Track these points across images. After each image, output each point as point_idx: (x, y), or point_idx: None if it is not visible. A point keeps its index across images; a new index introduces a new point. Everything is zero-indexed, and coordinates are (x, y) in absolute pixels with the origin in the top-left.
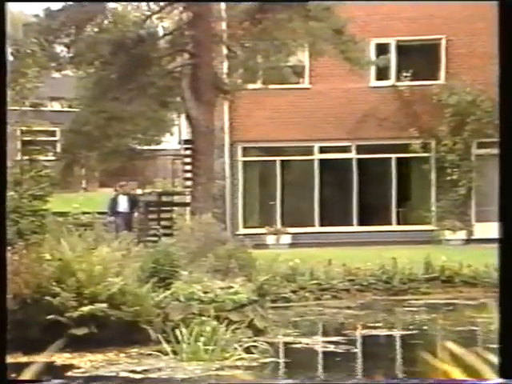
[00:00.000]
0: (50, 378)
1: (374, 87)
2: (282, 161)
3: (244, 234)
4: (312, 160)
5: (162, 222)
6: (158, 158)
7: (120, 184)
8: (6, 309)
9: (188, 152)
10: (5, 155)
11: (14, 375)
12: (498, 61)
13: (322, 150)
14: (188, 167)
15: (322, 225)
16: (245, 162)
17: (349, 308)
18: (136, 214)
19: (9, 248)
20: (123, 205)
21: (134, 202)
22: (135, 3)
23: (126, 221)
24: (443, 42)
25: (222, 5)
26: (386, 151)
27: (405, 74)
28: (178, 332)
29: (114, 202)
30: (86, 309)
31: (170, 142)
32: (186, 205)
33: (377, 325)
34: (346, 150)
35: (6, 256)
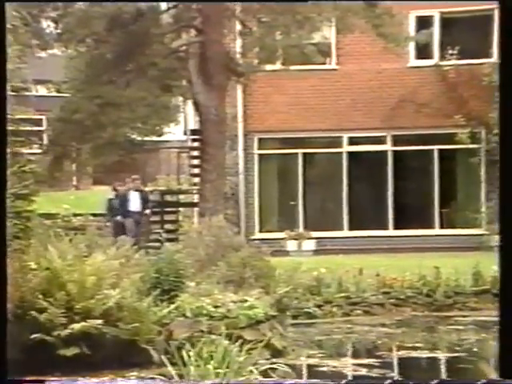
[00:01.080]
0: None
1: (414, 67)
2: (305, 154)
3: (260, 239)
4: (340, 153)
5: (166, 225)
6: (160, 151)
7: (133, 177)
8: (6, 310)
9: (195, 144)
10: (5, 155)
11: None
12: (499, 61)
13: (352, 141)
14: (195, 162)
15: (351, 228)
16: (261, 155)
17: (383, 325)
18: (149, 213)
19: None
20: (135, 203)
21: (145, 199)
22: None
23: (138, 222)
24: (496, 13)
25: None
26: (426, 142)
27: (450, 52)
28: (183, 353)
29: (111, 202)
30: (77, 326)
31: (175, 132)
32: (193, 205)
33: (416, 345)
34: (379, 141)
35: (6, 257)
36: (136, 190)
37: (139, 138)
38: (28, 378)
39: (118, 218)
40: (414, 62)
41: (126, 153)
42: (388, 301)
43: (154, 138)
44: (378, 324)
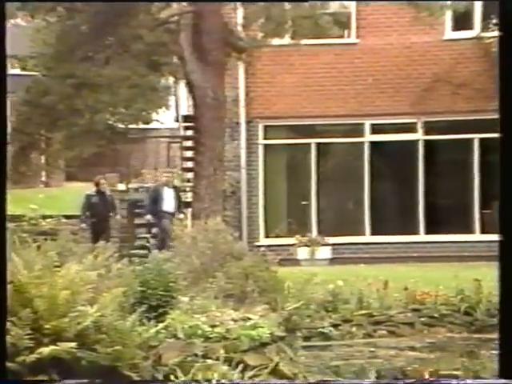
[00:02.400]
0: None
1: (450, 40)
2: (319, 144)
3: (266, 246)
4: (361, 143)
5: (154, 229)
6: (147, 142)
7: (164, 171)
8: (5, 310)
9: (189, 133)
10: (5, 155)
11: None
12: (499, 61)
13: (375, 129)
14: (189, 154)
15: (374, 233)
16: (267, 145)
17: (413, 349)
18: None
19: None
20: (169, 201)
21: (179, 198)
22: None
23: (167, 228)
24: None
25: None
26: (465, 130)
27: (494, 21)
28: (174, 380)
29: (90, 199)
30: (46, 350)
31: (164, 119)
32: (186, 205)
33: (454, 373)
34: (408, 128)
35: (6, 258)
36: (170, 187)
37: (122, 126)
38: (28, 379)
39: (149, 216)
40: (450, 34)
41: (106, 143)
42: (418, 320)
43: (140, 126)
44: (406, 347)
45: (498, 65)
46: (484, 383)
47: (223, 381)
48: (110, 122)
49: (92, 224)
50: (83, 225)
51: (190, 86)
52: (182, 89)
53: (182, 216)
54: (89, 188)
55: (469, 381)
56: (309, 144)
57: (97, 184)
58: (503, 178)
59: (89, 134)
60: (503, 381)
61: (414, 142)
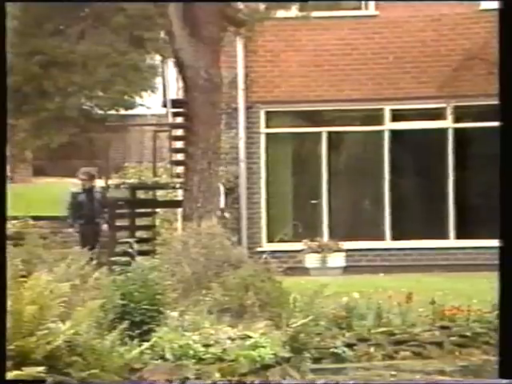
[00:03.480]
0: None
1: (486, 11)
2: (331, 134)
3: (269, 252)
4: (380, 132)
5: (138, 233)
6: (130, 130)
7: None
8: (5, 310)
9: (179, 120)
10: (4, 154)
11: None
12: (499, 61)
13: (397, 115)
14: (179, 144)
15: (395, 237)
16: (270, 135)
17: (442, 373)
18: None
19: None
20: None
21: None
22: None
23: None
24: None
25: None
26: None
27: None
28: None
29: (77, 197)
30: (10, 375)
31: (150, 103)
32: (175, 205)
33: None
34: (436, 115)
35: (6, 257)
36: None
37: (99, 112)
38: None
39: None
40: (486, 3)
41: (80, 131)
42: (448, 339)
43: (121, 112)
44: (434, 371)
45: (499, 64)
46: (484, 383)
47: (225, 381)
48: (85, 107)
49: (80, 227)
50: (72, 229)
51: (180, 66)
52: (171, 69)
53: (228, 215)
54: (60, 185)
55: (469, 381)
56: (319, 133)
57: (84, 179)
58: (503, 175)
59: (60, 120)
60: (503, 381)
61: (443, 131)
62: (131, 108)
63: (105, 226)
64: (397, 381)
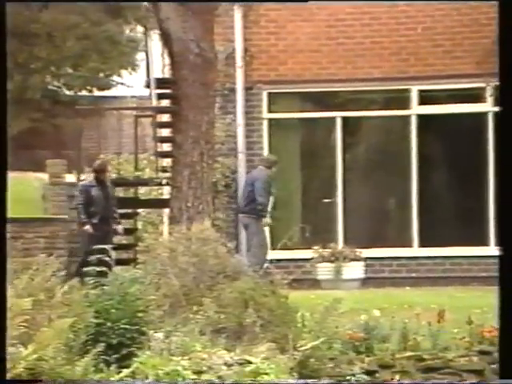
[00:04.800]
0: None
1: None
2: (346, 120)
3: (273, 261)
4: (406, 117)
5: (116, 238)
6: (105, 115)
7: None
8: (5, 310)
9: (165, 103)
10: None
11: None
12: (499, 61)
13: (426, 97)
14: (165, 132)
15: (424, 244)
16: (274, 121)
17: None
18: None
19: None
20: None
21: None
22: None
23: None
24: None
25: None
26: None
27: None
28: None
29: (88, 193)
30: None
31: (131, 83)
32: (161, 204)
33: None
34: (473, 96)
35: (6, 256)
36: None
37: (68, 93)
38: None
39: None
40: None
41: (45, 116)
42: (489, 367)
43: (95, 93)
44: None
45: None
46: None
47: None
48: (51, 87)
49: (93, 227)
50: (87, 227)
51: (166, 39)
52: (155, 42)
53: (268, 221)
54: (21, 180)
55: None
56: (332, 119)
57: (98, 170)
58: (503, 173)
59: (19, 103)
60: (503, 381)
61: (482, 116)
62: (107, 88)
63: (119, 228)
64: (397, 381)
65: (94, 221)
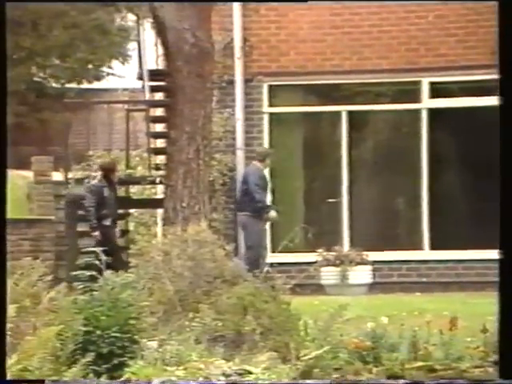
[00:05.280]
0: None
1: None
2: (353, 114)
3: (274, 265)
4: (416, 111)
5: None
6: (95, 109)
7: None
8: (5, 309)
9: (158, 96)
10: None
11: None
12: (499, 61)
13: (438, 90)
14: (159, 127)
15: (436, 246)
16: (276, 115)
17: None
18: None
19: None
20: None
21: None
22: None
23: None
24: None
25: None
26: None
27: None
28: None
29: (99, 194)
30: None
31: (122, 75)
32: (154, 204)
33: None
34: (488, 89)
35: (6, 255)
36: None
37: (55, 85)
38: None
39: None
40: None
41: (30, 110)
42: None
43: (84, 85)
44: None
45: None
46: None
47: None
48: (37, 79)
49: (103, 230)
50: (97, 233)
51: (160, 28)
52: (148, 32)
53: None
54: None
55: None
56: (337, 113)
57: (107, 169)
58: (504, 171)
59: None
60: (503, 381)
61: (497, 110)
62: (97, 80)
63: (117, 230)
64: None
65: (107, 223)
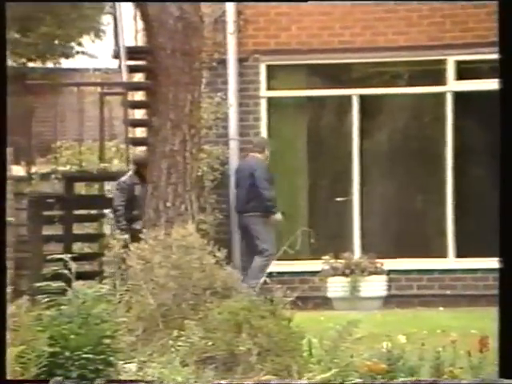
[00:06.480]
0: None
1: None
2: (365, 98)
3: (274, 274)
4: (440, 95)
5: (77, 246)
6: (63, 92)
7: None
8: (5, 309)
9: (137, 77)
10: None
11: None
12: (499, 61)
13: (466, 70)
14: (138, 114)
15: (462, 254)
16: (275, 100)
17: None
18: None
19: None
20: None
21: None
22: None
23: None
24: None
25: None
26: None
27: None
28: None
29: (131, 191)
30: None
31: (95, 53)
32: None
33: None
34: None
35: (6, 255)
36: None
37: (15, 64)
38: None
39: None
40: None
41: None
42: None
43: (49, 65)
44: None
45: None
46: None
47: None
48: None
49: (133, 233)
50: (126, 236)
51: None
52: (125, 3)
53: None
54: None
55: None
56: (347, 98)
57: (140, 164)
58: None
59: None
60: (503, 381)
61: None
62: (65, 59)
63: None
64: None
65: (137, 226)
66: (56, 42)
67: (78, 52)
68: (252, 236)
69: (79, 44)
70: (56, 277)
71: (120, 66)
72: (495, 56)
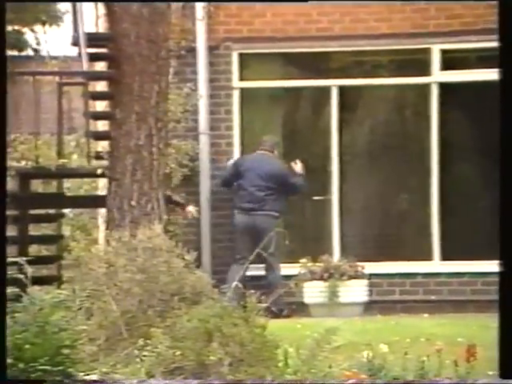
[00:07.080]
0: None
1: None
2: (344, 89)
3: (247, 278)
4: (424, 87)
5: (33, 248)
6: (16, 82)
7: None
8: (5, 308)
9: (98, 66)
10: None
11: None
12: (499, 62)
13: (451, 60)
14: (100, 106)
15: (447, 256)
16: (248, 91)
17: None
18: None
19: None
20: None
21: None
22: None
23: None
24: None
25: None
26: None
27: None
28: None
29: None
30: None
31: (53, 39)
32: (95, 203)
33: None
34: None
35: (6, 254)
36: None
37: None
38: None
39: None
40: None
41: None
42: None
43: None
44: None
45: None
46: (484, 383)
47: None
48: None
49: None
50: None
51: None
52: None
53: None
54: None
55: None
56: (326, 88)
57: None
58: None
59: None
60: (503, 381)
61: None
62: (19, 48)
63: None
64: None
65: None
66: (8, 28)
67: (33, 39)
68: (261, 236)
69: (32, 31)
70: (10, 282)
71: (80, 54)
72: (483, 45)
